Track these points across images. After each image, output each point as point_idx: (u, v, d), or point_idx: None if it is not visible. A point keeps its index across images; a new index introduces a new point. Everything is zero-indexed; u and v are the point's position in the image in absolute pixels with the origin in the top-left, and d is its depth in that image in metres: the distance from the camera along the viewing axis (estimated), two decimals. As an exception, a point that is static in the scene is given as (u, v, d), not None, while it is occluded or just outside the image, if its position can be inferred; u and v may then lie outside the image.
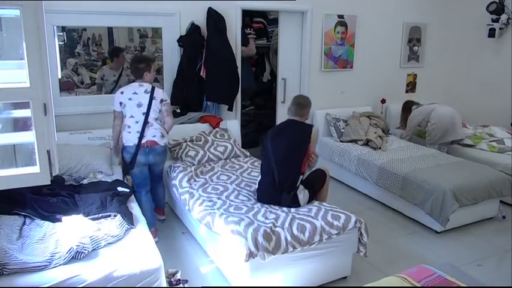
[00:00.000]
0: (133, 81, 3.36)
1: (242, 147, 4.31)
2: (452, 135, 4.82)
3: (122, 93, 3.24)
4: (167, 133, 3.36)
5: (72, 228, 2.47)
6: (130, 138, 3.23)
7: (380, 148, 4.68)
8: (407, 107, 5.31)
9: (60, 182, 3.26)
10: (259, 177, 3.21)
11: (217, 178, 3.52)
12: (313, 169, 3.29)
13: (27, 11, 1.46)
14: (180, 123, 4.25)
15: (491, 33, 5.41)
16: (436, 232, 3.73)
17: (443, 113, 4.84)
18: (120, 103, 3.23)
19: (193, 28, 4.28)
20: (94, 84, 4.20)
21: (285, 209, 2.91)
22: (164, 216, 3.78)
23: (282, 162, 3.01)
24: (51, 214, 2.68)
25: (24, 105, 1.60)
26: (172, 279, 2.67)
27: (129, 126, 3.23)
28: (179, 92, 4.33)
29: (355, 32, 5.38)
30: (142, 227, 2.71)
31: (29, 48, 1.48)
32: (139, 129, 3.21)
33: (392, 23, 5.66)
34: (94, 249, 2.34)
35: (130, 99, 3.21)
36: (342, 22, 5.25)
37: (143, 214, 2.99)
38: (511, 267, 3.22)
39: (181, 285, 2.68)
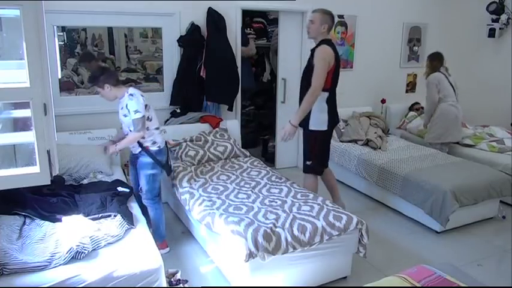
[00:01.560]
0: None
1: (242, 147, 4.31)
2: (453, 135, 4.74)
3: (142, 96, 2.97)
4: None
5: (72, 228, 2.47)
6: (161, 140, 3.16)
7: (380, 148, 4.68)
8: (438, 58, 4.86)
9: (60, 182, 3.26)
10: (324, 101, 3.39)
11: (217, 178, 3.52)
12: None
13: (27, 11, 1.46)
14: (180, 123, 4.25)
15: (491, 33, 5.42)
16: (436, 232, 3.73)
17: (450, 108, 4.65)
18: (146, 105, 2.97)
19: (193, 28, 4.28)
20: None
21: (286, 209, 2.91)
22: (167, 249, 3.31)
23: None
24: (51, 214, 2.68)
25: (24, 105, 1.60)
26: (172, 279, 2.67)
27: (158, 128, 3.13)
28: (179, 92, 4.33)
29: (355, 32, 5.38)
30: (142, 227, 2.71)
31: (29, 48, 1.48)
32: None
33: (392, 23, 5.66)
34: (94, 249, 2.34)
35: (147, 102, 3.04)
36: (342, 22, 5.26)
37: (158, 227, 3.19)
38: (511, 267, 3.22)
39: (181, 285, 2.68)
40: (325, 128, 3.44)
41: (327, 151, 3.70)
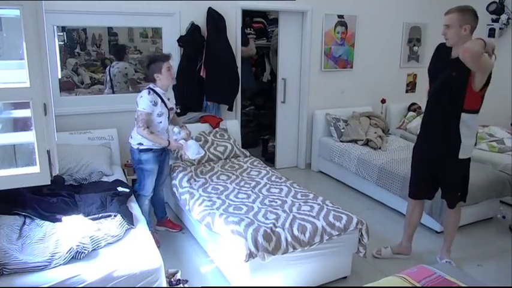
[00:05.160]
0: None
1: (242, 147, 4.31)
2: None
3: None
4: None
5: (72, 228, 2.47)
6: None
7: (380, 148, 4.68)
8: None
9: (60, 182, 3.26)
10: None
11: (217, 178, 3.52)
12: None
13: (27, 11, 1.45)
14: (180, 123, 4.25)
15: (491, 33, 5.41)
16: (436, 232, 3.73)
17: None
18: None
19: (193, 28, 4.28)
20: (94, 84, 4.20)
21: (286, 208, 2.91)
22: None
23: None
24: (51, 214, 2.68)
25: (24, 105, 1.60)
26: (172, 279, 2.67)
27: None
28: (179, 92, 4.33)
29: (355, 32, 5.38)
30: (142, 227, 2.71)
31: (29, 48, 1.48)
32: None
33: (392, 23, 5.66)
34: (94, 249, 2.34)
35: None
36: (342, 22, 5.25)
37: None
38: (511, 267, 3.22)
39: (181, 285, 2.68)
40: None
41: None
